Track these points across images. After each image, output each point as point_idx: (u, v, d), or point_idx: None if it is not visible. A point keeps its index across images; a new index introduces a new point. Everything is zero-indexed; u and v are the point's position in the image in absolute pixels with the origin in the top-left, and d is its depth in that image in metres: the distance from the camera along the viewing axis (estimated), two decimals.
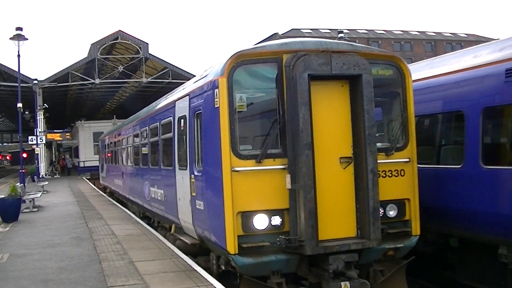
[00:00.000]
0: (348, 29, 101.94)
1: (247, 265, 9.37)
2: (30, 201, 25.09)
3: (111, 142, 30.81)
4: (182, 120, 12.32)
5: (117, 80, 59.92)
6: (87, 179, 53.11)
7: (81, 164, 60.04)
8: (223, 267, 10.31)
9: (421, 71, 12.29)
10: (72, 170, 67.64)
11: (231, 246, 9.30)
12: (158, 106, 16.55)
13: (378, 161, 9.73)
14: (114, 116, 58.26)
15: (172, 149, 13.46)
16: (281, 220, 9.51)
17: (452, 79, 11.08)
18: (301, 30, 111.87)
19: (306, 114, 9.26)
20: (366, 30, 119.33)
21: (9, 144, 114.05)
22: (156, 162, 16.01)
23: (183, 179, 12.14)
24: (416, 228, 10.41)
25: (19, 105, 41.51)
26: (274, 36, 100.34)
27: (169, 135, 13.87)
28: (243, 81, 9.73)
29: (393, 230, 10.23)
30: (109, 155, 32.13)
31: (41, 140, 51.26)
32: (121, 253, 13.35)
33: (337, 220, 9.70)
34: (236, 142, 9.48)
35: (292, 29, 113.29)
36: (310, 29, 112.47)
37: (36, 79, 52.65)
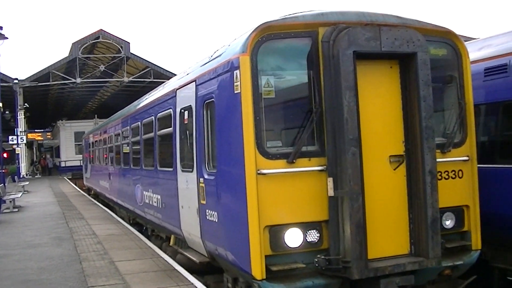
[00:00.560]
0: None
1: None
2: (10, 202, 24.76)
3: (96, 141, 28.12)
4: (186, 112, 10.38)
5: (99, 79, 59.14)
6: (69, 179, 52.88)
7: (62, 164, 60.00)
8: None
9: None
10: (53, 170, 67.33)
11: (257, 269, 7.37)
12: (152, 98, 14.38)
13: None
14: (96, 115, 58.19)
15: (173, 147, 11.35)
16: (318, 235, 7.68)
17: None
18: None
19: (351, 101, 7.40)
20: None
21: None
22: (151, 163, 13.86)
23: (187, 184, 10.24)
24: (476, 242, 8.52)
25: None
26: None
27: (168, 130, 11.84)
28: (270, 60, 7.85)
29: (451, 244, 8.35)
30: (94, 154, 29.70)
31: (21, 140, 51.13)
32: (102, 253, 13.18)
33: (387, 234, 7.86)
34: (263, 137, 7.58)
35: None
36: None
37: (16, 79, 51.94)
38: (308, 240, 7.64)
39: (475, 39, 12.33)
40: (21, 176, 50.50)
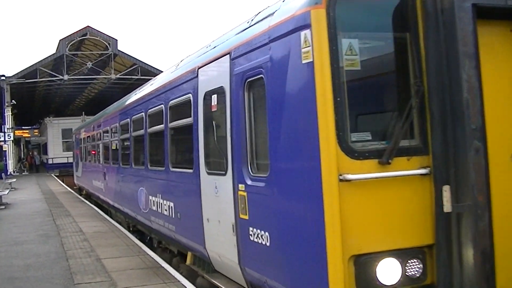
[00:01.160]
0: None
1: None
2: None
3: (89, 136, 25.46)
4: (214, 97, 8.14)
5: (86, 76, 58.64)
6: (56, 176, 52.57)
7: (50, 161, 59.54)
8: None
9: None
10: (40, 167, 66.90)
11: None
12: (161, 82, 11.98)
13: None
14: (83, 112, 57.80)
15: (193, 143, 9.13)
16: (421, 266, 5.58)
17: None
18: None
19: (473, 75, 5.29)
20: None
21: None
22: (160, 162, 11.46)
23: (217, 190, 8.02)
24: None
25: None
26: None
27: (185, 121, 9.62)
28: (354, 17, 5.72)
29: None
30: (86, 151, 27.06)
31: (9, 137, 50.87)
32: (89, 250, 13.08)
33: None
34: (346, 127, 5.45)
35: None
36: None
37: (3, 75, 51.55)
38: (407, 274, 5.55)
39: None
40: (8, 173, 50.17)
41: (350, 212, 5.34)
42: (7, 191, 27.64)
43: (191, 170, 9.27)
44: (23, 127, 63.29)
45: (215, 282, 8.64)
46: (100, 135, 21.53)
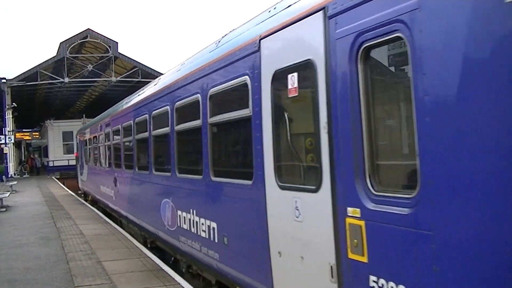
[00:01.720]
0: None
1: None
2: None
3: (96, 136, 23.01)
4: (293, 76, 5.86)
5: (86, 79, 58.82)
6: (57, 178, 52.59)
7: (51, 164, 59.49)
8: None
9: None
10: (41, 169, 66.91)
11: None
12: (197, 66, 9.31)
13: None
14: (84, 115, 57.79)
15: (253, 142, 6.84)
16: None
17: None
18: None
19: None
20: None
21: None
22: (195, 168, 9.26)
23: (299, 213, 5.77)
24: None
25: None
26: None
27: (238, 114, 7.36)
28: None
29: None
30: (92, 153, 24.86)
31: (9, 140, 50.89)
32: (89, 252, 13.06)
33: None
34: None
35: None
36: None
37: (4, 78, 51.56)
38: None
39: None
40: (9, 175, 50.19)
41: None
42: (8, 194, 27.54)
43: (248, 182, 6.99)
44: (23, 130, 63.28)
45: None
46: (109, 135, 19.12)
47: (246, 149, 7.30)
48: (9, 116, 53.33)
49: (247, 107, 7.00)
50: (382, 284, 4.55)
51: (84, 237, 15.63)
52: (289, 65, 5.94)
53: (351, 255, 4.94)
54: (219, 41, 8.96)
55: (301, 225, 5.73)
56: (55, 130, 59.47)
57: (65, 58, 52.97)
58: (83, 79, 58.80)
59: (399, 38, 4.33)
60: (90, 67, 55.38)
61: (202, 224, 8.84)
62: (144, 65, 55.40)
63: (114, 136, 18.04)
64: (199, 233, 9.03)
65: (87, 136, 26.60)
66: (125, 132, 15.80)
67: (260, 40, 6.71)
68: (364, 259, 4.78)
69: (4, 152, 52.21)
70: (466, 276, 3.75)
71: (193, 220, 9.30)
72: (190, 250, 9.65)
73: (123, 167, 16.19)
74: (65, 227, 17.92)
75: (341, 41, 5.01)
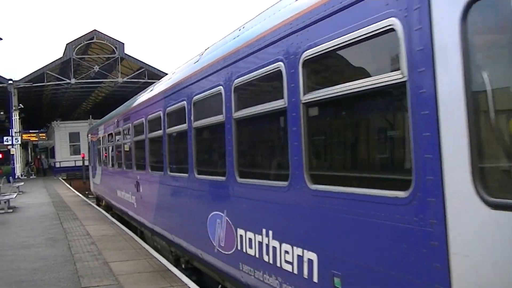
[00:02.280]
0: None
1: None
2: (5, 202, 24.47)
3: (111, 134, 20.23)
4: None
5: (93, 80, 58.95)
6: (63, 179, 52.73)
7: (57, 165, 59.68)
8: None
9: None
10: (47, 170, 67.12)
11: None
12: (282, 18, 6.19)
13: None
14: (90, 116, 57.95)
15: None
16: None
17: None
18: None
19: None
20: None
21: None
22: (274, 170, 6.97)
23: None
24: None
25: None
26: None
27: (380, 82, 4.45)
28: None
29: None
30: (107, 153, 22.02)
31: (16, 141, 51.05)
32: (96, 253, 13.02)
33: None
34: None
35: None
36: None
37: (11, 79, 51.80)
38: None
39: None
40: (16, 176, 50.32)
41: None
42: (15, 195, 27.56)
43: (403, 193, 4.25)
44: (30, 131, 63.44)
45: None
46: (129, 131, 16.32)
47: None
48: (16, 117, 53.53)
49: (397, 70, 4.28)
50: None
51: (91, 238, 15.63)
52: None
53: None
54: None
55: None
56: (62, 131, 59.69)
57: (72, 59, 53.19)
58: (90, 80, 58.98)
59: None
60: (96, 68, 55.56)
61: (286, 252, 6.16)
62: (151, 66, 55.53)
63: (136, 132, 15.21)
64: (278, 264, 6.35)
65: (101, 134, 23.63)
66: (152, 126, 12.95)
67: None
68: None
69: (11, 153, 52.39)
70: None
71: (268, 245, 6.62)
72: (260, 285, 6.95)
73: (148, 169, 13.60)
74: (72, 228, 17.92)
75: None
